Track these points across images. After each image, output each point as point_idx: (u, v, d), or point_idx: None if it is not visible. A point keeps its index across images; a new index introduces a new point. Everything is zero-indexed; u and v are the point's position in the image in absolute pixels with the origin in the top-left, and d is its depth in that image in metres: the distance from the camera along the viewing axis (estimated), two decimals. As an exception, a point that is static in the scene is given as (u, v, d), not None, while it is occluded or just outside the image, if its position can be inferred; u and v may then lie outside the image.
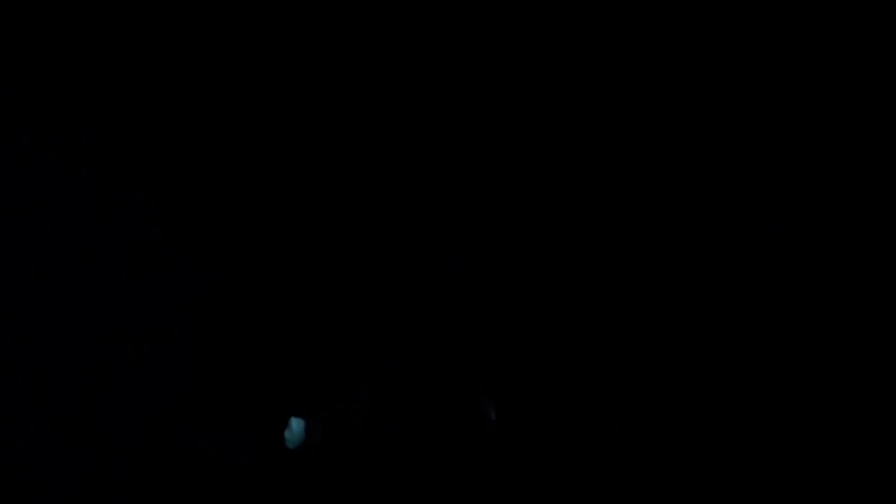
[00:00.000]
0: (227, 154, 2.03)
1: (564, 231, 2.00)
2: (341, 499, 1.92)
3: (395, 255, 2.04)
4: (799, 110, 1.92)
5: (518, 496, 1.86)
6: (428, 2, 2.02)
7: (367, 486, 1.92)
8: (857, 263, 1.86)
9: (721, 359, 1.87)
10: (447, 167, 2.03)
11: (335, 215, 2.05)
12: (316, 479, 1.96)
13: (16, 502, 1.86)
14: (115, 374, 1.95)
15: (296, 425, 2.09)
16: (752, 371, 1.85)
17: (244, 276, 2.02)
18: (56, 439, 1.90)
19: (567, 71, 2.01)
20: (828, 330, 1.84)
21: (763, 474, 1.78)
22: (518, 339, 1.98)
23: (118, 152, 2.03)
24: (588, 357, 1.92)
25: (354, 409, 2.00)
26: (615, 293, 1.96)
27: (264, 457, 2.03)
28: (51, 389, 1.94)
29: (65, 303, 2.01)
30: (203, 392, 1.98)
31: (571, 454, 1.87)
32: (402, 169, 2.03)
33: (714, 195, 1.93)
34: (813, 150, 1.90)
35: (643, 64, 1.98)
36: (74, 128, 2.01)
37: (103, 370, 1.96)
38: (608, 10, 1.99)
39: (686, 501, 1.81)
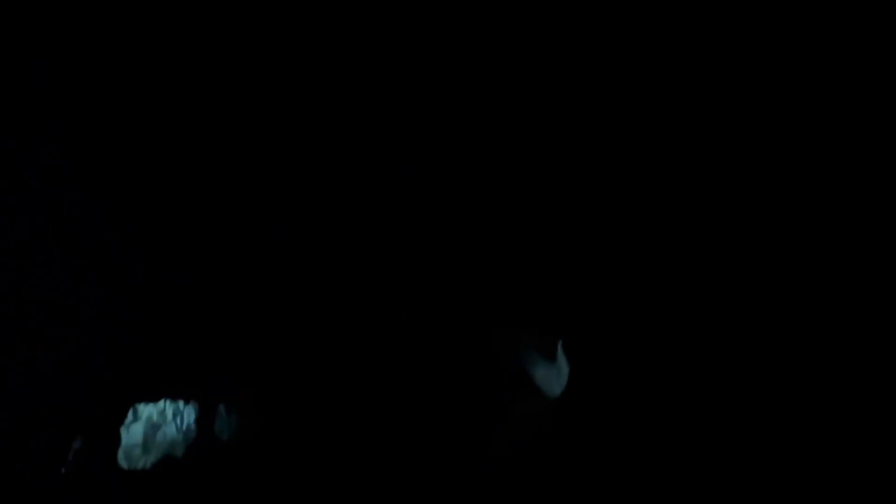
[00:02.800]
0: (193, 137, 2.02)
1: (564, 231, 2.00)
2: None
3: (392, 250, 2.04)
4: (798, 110, 1.92)
5: (518, 496, 1.85)
6: (428, 2, 2.02)
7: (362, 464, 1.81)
8: (857, 264, 1.86)
9: (720, 359, 1.87)
10: (445, 166, 2.03)
11: (334, 214, 2.05)
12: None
13: None
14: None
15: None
16: (752, 371, 1.85)
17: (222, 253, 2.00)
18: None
19: (565, 71, 2.01)
20: (827, 330, 1.84)
21: (763, 474, 1.78)
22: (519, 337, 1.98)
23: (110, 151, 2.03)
24: (588, 356, 1.92)
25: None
26: (615, 293, 1.96)
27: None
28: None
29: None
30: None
31: (572, 451, 1.87)
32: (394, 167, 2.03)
33: (713, 195, 1.93)
34: (812, 150, 1.90)
35: (642, 64, 1.98)
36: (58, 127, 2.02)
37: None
38: (608, 10, 1.99)
39: (686, 501, 1.81)
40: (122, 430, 1.25)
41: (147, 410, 1.29)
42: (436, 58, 2.03)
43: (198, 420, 1.28)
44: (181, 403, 1.29)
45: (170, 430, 1.25)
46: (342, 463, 1.91)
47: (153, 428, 1.25)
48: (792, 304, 1.87)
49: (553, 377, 1.61)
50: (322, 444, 1.91)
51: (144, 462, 1.25)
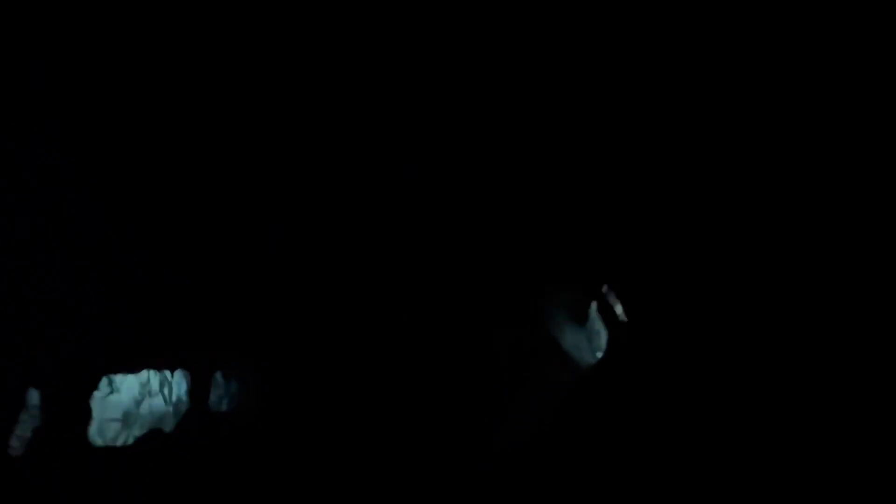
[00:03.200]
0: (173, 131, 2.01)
1: (564, 231, 2.00)
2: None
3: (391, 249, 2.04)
4: (796, 110, 1.92)
5: (518, 496, 1.85)
6: (428, 3, 2.02)
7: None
8: (857, 266, 1.86)
9: (718, 359, 1.86)
10: (445, 166, 2.03)
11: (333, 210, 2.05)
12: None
13: None
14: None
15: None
16: (751, 371, 1.85)
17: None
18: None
19: (565, 71, 2.01)
20: (827, 330, 1.84)
21: (762, 475, 1.78)
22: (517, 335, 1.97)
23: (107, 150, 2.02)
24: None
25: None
26: (615, 293, 1.95)
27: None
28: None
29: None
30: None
31: (568, 449, 1.86)
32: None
33: (706, 194, 1.92)
34: (808, 150, 1.90)
35: (642, 64, 1.98)
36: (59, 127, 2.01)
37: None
38: (608, 10, 1.99)
39: (685, 501, 1.80)
40: (95, 404, 1.02)
41: (127, 382, 1.05)
42: (435, 58, 2.03)
43: (190, 391, 1.06)
44: (168, 373, 1.07)
45: (157, 403, 1.02)
46: (342, 462, 1.91)
47: (135, 401, 1.04)
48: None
49: (583, 343, 1.46)
50: (323, 443, 1.90)
51: (125, 437, 1.05)
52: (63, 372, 1.97)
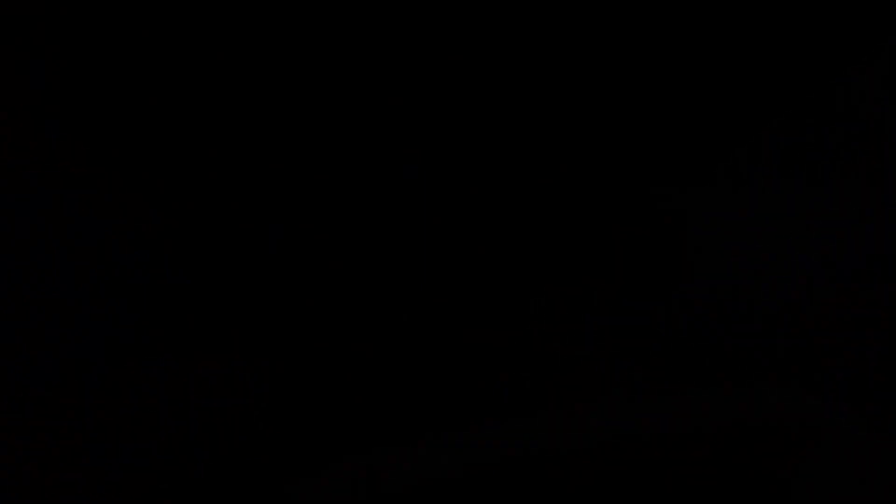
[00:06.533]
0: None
1: (565, 231, 2.01)
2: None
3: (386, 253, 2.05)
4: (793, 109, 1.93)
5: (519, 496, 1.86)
6: (428, 2, 2.03)
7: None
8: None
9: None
10: (445, 166, 2.04)
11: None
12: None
13: None
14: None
15: None
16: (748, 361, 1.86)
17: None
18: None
19: (566, 70, 2.02)
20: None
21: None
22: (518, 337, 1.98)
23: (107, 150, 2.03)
24: (581, 352, 1.93)
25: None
26: (617, 295, 1.96)
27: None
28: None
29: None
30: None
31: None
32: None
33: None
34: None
35: (644, 64, 1.99)
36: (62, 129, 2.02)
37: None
38: (608, 10, 2.00)
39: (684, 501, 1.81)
40: None
41: None
42: (435, 58, 2.04)
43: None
44: None
45: None
46: (342, 462, 1.92)
47: None
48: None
49: None
50: (322, 443, 1.92)
51: None
52: (63, 372, 1.97)
